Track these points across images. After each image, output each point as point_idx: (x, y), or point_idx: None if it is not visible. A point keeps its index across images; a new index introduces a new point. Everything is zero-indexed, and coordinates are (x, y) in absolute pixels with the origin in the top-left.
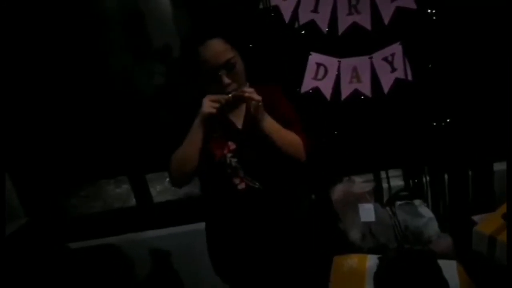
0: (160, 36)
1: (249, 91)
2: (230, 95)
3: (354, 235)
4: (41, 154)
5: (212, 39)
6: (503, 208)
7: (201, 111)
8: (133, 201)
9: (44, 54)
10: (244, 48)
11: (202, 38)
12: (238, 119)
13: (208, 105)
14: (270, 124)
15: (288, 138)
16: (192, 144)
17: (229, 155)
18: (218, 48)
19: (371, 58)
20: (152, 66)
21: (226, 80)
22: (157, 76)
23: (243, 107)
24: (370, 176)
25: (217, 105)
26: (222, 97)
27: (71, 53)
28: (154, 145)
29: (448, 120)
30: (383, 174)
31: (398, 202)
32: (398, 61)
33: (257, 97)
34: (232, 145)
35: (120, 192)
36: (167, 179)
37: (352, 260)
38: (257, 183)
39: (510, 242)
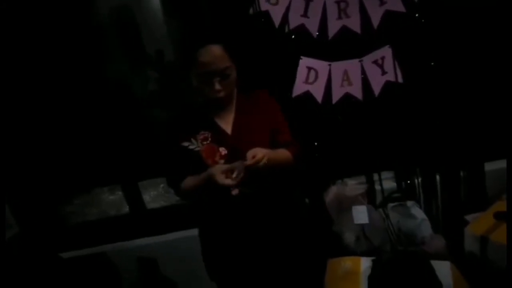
0: (153, 43)
1: (249, 162)
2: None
3: (348, 237)
4: (32, 163)
5: (214, 45)
6: (494, 207)
7: (214, 179)
8: (127, 208)
9: (38, 63)
10: (241, 56)
11: (204, 41)
12: (227, 125)
13: (222, 178)
14: (272, 156)
15: (282, 158)
16: (200, 187)
17: (221, 161)
18: (217, 54)
19: (361, 61)
20: (146, 75)
21: (218, 86)
22: (151, 84)
23: (232, 113)
24: (362, 179)
25: (232, 176)
26: (231, 169)
27: (64, 65)
28: (148, 151)
29: (439, 121)
30: (375, 176)
31: (391, 204)
32: (388, 64)
33: (254, 161)
34: (223, 151)
35: (114, 199)
36: (161, 185)
37: (347, 263)
38: (250, 189)
39: (510, 242)
